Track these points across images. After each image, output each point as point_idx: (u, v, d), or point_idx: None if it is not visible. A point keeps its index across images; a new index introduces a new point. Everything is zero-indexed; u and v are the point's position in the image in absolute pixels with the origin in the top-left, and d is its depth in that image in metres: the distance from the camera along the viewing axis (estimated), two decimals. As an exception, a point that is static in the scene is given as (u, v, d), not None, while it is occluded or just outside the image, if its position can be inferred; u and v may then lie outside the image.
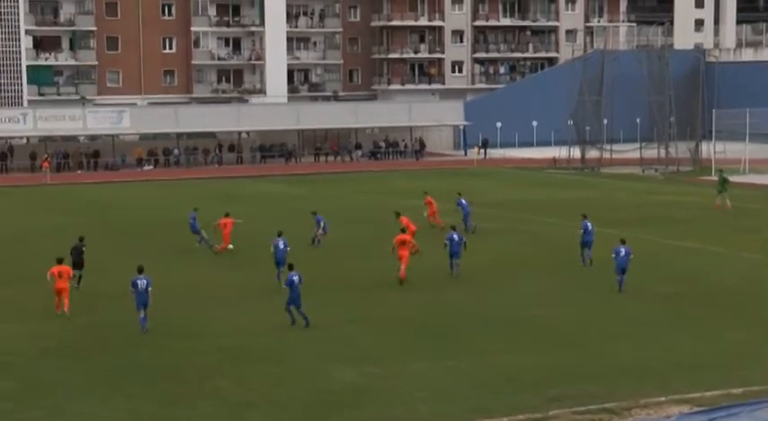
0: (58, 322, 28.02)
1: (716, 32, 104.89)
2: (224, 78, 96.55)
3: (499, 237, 42.45)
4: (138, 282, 27.07)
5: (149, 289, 27.02)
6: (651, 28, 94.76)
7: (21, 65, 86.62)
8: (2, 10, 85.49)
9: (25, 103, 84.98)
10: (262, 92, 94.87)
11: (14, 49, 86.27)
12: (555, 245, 39.78)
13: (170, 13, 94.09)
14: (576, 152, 75.03)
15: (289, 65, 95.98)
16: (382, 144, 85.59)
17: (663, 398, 20.86)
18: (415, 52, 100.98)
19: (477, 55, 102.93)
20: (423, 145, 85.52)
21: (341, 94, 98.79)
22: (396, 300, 30.65)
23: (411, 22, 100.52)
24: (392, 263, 33.66)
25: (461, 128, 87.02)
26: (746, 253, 37.91)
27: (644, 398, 20.87)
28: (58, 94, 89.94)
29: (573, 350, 24.84)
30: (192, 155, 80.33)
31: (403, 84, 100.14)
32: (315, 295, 30.27)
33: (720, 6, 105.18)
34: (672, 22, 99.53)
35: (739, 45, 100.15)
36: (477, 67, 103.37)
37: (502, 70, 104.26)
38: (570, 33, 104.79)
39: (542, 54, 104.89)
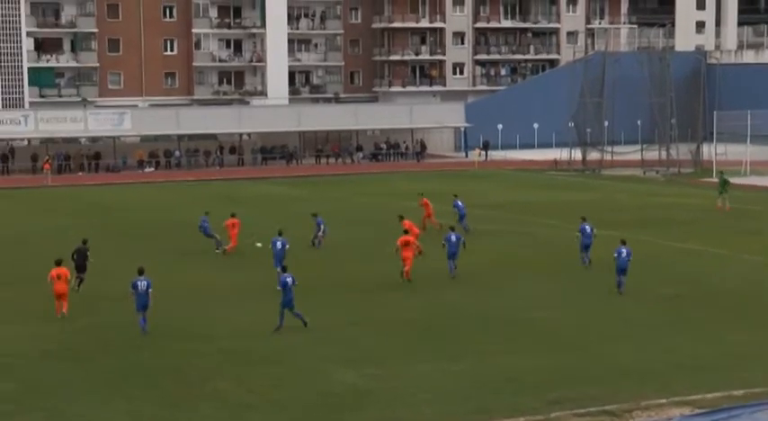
0: (58, 324, 28.03)
1: (717, 34, 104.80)
2: (225, 80, 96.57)
3: (500, 238, 42.43)
4: (139, 283, 27.07)
5: (150, 290, 27.02)
6: (652, 30, 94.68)
7: (22, 67, 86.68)
8: (3, 12, 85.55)
9: (26, 105, 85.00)
10: (263, 93, 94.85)
11: (16, 50, 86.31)
12: (556, 247, 39.75)
13: (171, 15, 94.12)
14: (577, 154, 75.03)
15: (290, 67, 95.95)
16: (383, 146, 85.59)
17: (664, 400, 20.84)
18: (416, 54, 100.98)
19: (479, 57, 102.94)
20: (424, 147, 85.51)
21: (342, 95, 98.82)
22: (397, 301, 30.65)
23: (412, 24, 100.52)
24: (393, 264, 33.68)
25: (462, 130, 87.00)
26: (748, 254, 37.88)
27: (645, 400, 20.84)
28: (60, 96, 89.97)
29: (573, 352, 24.83)
30: (194, 157, 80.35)
31: (404, 85, 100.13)
32: (316, 297, 30.30)
33: (722, 8, 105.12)
34: (673, 24, 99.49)
35: (740, 47, 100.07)
36: (479, 69, 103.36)
37: (503, 72, 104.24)
38: (571, 35, 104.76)
39: (543, 56, 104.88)
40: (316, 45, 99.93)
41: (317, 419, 20.37)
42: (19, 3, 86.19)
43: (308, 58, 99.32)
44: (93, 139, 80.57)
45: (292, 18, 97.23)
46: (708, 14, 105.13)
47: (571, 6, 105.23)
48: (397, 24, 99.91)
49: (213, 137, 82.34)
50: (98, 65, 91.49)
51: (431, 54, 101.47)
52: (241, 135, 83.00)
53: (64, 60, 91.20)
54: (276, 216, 48.22)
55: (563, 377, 22.60)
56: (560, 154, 74.96)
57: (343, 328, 27.50)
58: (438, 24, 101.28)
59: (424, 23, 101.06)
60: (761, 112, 68.65)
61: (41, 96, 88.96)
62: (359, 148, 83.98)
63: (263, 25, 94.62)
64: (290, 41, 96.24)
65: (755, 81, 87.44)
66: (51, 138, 77.18)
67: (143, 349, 25.42)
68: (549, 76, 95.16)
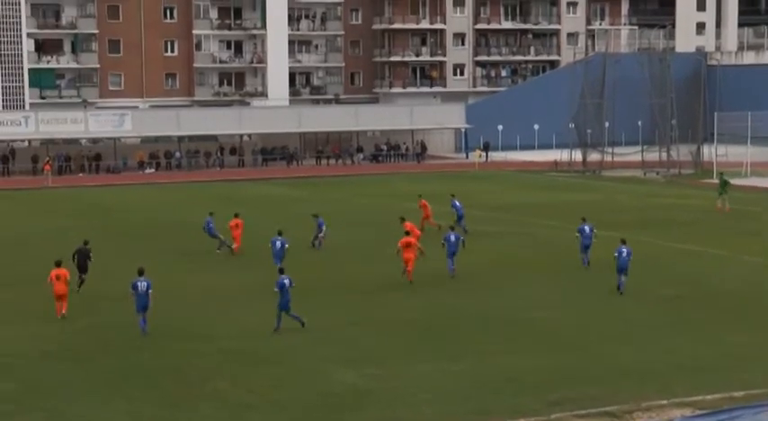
0: (58, 324, 28.04)
1: (717, 35, 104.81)
2: (225, 81, 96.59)
3: (500, 239, 42.43)
4: (139, 284, 27.06)
5: (149, 291, 27.01)
6: (653, 31, 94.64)
7: (23, 68, 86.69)
8: (3, 13, 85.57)
9: (27, 106, 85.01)
10: (263, 95, 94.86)
11: (16, 52, 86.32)
12: (556, 247, 39.74)
13: (172, 16, 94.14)
14: (577, 155, 75.01)
15: (290, 68, 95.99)
16: (384, 147, 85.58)
17: (664, 402, 20.83)
18: (417, 55, 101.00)
19: (479, 58, 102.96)
20: (424, 148, 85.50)
21: (342, 96, 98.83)
22: (397, 302, 30.65)
23: (412, 25, 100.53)
24: (394, 265, 33.69)
25: (463, 131, 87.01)
26: (748, 256, 37.86)
27: (645, 401, 20.83)
28: (60, 97, 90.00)
29: (574, 352, 24.82)
30: (194, 158, 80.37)
31: (404, 87, 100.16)
32: (316, 297, 30.32)
33: (722, 9, 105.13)
34: (673, 25, 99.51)
35: (741, 48, 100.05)
36: (479, 70, 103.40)
37: (503, 73, 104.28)
38: (572, 36, 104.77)
39: (544, 57, 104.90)
40: (316, 46, 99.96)
41: (317, 419, 20.37)
42: (19, 4, 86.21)
43: (308, 60, 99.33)
44: (94, 141, 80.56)
45: (293, 19, 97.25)
46: (708, 16, 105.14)
47: (571, 8, 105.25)
48: (397, 25, 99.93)
49: (214, 138, 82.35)
50: (98, 66, 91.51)
51: (431, 55, 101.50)
52: (241, 136, 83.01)
53: (64, 61, 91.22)
54: (276, 217, 48.21)
55: (563, 378, 22.59)
56: (561, 155, 74.94)
57: (343, 329, 27.50)
58: (438, 25, 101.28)
59: (425, 24, 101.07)
60: (761, 114, 68.64)
61: (42, 97, 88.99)
62: (359, 150, 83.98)
63: (264, 26, 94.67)
64: (291, 42, 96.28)
65: (756, 82, 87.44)
66: (52, 140, 77.20)
67: (143, 349, 25.42)
68: (550, 78, 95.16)
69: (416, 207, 44.37)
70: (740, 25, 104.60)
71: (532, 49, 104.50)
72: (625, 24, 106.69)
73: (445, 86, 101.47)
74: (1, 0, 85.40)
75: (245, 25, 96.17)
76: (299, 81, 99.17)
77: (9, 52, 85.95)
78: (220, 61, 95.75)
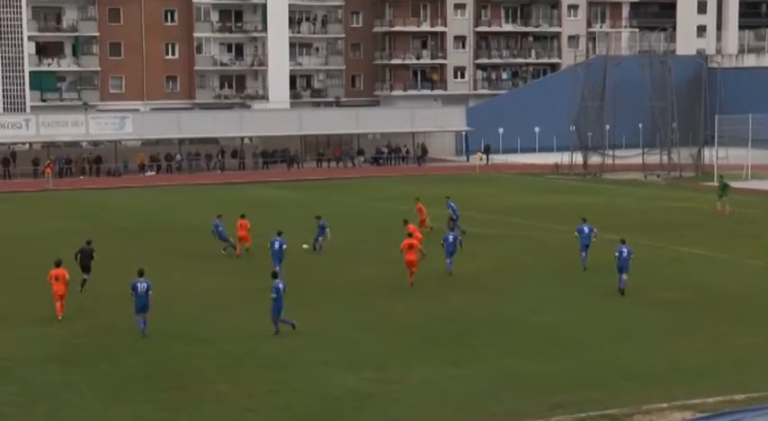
0: (58, 327, 28.02)
1: (718, 38, 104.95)
2: (226, 84, 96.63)
3: (501, 242, 42.41)
4: (138, 285, 27.06)
5: (149, 292, 27.01)
6: (653, 34, 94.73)
7: (24, 71, 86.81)
8: (5, 16, 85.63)
9: (28, 109, 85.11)
10: (264, 97, 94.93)
11: (17, 55, 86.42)
12: (557, 250, 39.72)
13: (172, 19, 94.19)
14: (578, 158, 75.01)
15: (291, 70, 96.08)
16: (384, 150, 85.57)
17: (665, 405, 20.81)
18: (418, 58, 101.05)
19: (480, 61, 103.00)
20: (425, 151, 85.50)
21: (343, 99, 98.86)
22: (398, 305, 30.63)
23: (413, 28, 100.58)
24: (394, 268, 33.68)
25: (464, 133, 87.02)
26: (749, 259, 37.84)
27: (646, 404, 20.81)
28: (61, 100, 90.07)
29: (575, 356, 24.80)
30: (195, 160, 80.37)
31: (405, 89, 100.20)
32: (316, 300, 30.29)
33: (723, 12, 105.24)
34: (674, 28, 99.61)
35: (741, 51, 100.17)
36: (480, 73, 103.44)
37: (504, 76, 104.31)
38: (572, 39, 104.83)
39: (545, 60, 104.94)
40: (317, 49, 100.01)
41: (317, 423, 20.36)
42: (21, 7, 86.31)
43: (309, 62, 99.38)
44: (95, 143, 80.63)
45: (294, 22, 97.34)
46: (709, 18, 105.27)
47: (572, 10, 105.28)
48: (398, 28, 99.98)
49: (214, 141, 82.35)
50: (99, 69, 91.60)
51: (432, 58, 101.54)
52: (242, 139, 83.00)
53: (65, 64, 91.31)
54: (277, 220, 48.15)
55: (565, 381, 22.58)
56: (561, 158, 74.93)
57: (344, 332, 27.46)
58: (439, 28, 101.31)
59: (426, 27, 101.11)
60: (762, 116, 68.62)
61: (43, 100, 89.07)
62: (360, 152, 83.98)
63: (265, 29, 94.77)
64: (292, 45, 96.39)
65: (756, 85, 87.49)
66: (53, 142, 77.24)
67: (144, 352, 25.39)
68: (551, 80, 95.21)
69: (415, 210, 44.37)
70: (741, 28, 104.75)
71: (533, 51, 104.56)
72: (626, 27, 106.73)
73: (446, 89, 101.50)
74: (2, 3, 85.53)
75: (245, 28, 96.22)
76: (300, 84, 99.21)
77: (10, 55, 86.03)
78: (221, 64, 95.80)
